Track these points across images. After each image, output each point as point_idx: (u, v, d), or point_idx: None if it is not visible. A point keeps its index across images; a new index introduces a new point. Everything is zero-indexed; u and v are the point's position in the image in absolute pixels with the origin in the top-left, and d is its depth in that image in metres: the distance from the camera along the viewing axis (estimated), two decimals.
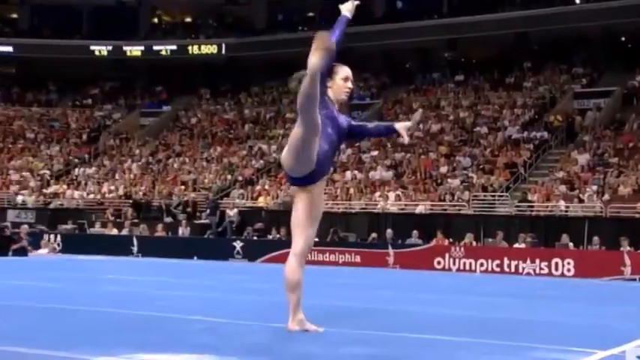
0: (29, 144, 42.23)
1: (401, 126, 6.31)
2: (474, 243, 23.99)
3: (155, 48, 45.46)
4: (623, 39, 38.19)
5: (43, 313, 7.05)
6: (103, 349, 4.38)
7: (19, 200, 34.46)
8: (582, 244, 23.36)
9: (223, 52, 44.23)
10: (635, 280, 20.08)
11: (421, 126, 35.01)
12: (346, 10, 5.95)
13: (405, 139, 6.41)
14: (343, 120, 5.96)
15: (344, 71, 5.88)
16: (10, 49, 46.47)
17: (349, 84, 5.94)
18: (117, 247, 26.13)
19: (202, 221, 29.08)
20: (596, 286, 16.84)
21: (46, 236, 27.76)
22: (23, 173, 37.74)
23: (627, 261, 20.60)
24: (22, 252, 23.66)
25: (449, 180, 29.33)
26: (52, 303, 8.08)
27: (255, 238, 26.62)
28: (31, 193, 35.38)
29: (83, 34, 47.16)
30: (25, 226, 26.96)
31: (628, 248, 21.51)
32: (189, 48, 44.60)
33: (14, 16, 48.84)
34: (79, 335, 5.32)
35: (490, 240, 24.45)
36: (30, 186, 36.56)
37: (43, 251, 26.36)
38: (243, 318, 5.67)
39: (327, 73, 5.68)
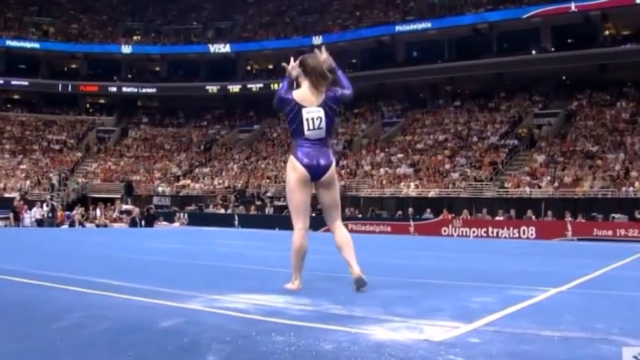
0: (166, 153, 42.94)
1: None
2: (469, 217, 23.89)
3: (248, 86, 45.89)
4: (564, 77, 38.14)
5: (178, 265, 7.13)
6: (216, 290, 4.41)
7: (159, 190, 35.11)
8: (540, 216, 23.44)
9: None
10: (574, 240, 20.06)
11: (431, 136, 34.89)
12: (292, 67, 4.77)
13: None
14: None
15: None
16: (154, 90, 47.88)
17: None
18: (224, 221, 26.47)
19: (281, 203, 29.18)
20: (549, 246, 16.59)
21: (177, 214, 28.22)
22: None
23: (569, 227, 20.80)
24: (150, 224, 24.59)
25: (451, 174, 29.23)
26: (183, 259, 8.19)
27: (314, 215, 26.64)
28: (168, 185, 35.95)
29: (200, 78, 47.79)
30: (152, 206, 27.60)
31: (570, 219, 21.66)
32: (272, 85, 44.63)
33: (157, 68, 49.76)
34: (200, 281, 5.34)
35: (479, 215, 24.34)
36: (167, 180, 37.14)
37: (175, 224, 26.78)
38: (313, 270, 5.65)
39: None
